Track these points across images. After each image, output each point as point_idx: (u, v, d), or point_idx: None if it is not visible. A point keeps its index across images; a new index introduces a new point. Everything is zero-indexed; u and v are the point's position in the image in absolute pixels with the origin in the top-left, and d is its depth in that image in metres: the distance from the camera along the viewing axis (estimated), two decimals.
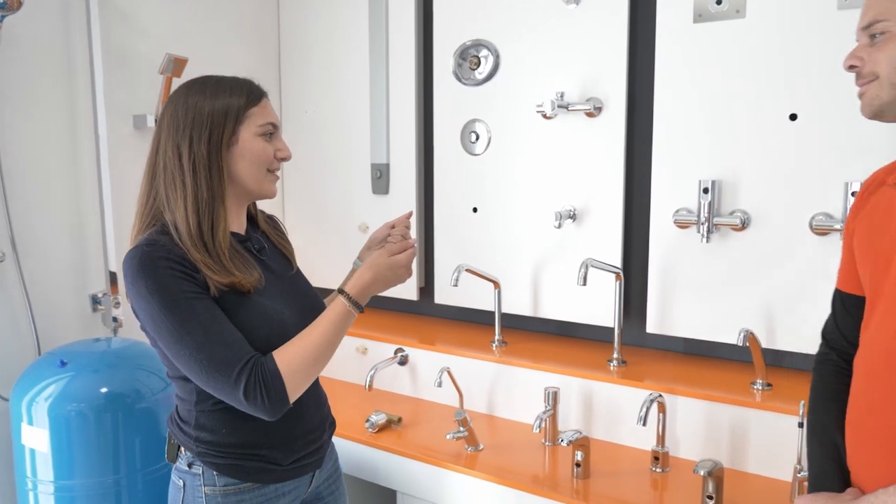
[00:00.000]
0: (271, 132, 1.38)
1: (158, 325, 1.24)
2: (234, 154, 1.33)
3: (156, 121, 2.40)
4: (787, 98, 1.89)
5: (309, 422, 1.45)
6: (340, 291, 1.33)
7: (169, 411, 2.08)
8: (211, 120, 1.31)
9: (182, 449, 1.40)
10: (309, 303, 1.48)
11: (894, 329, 1.08)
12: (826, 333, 1.33)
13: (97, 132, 2.29)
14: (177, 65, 2.43)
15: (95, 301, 2.34)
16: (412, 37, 2.56)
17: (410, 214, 1.57)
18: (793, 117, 1.89)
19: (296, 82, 2.87)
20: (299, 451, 1.41)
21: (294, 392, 1.26)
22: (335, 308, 1.32)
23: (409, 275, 1.40)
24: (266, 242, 1.50)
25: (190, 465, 1.37)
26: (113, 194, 2.32)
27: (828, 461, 1.21)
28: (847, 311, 1.26)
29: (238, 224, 1.41)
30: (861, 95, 1.11)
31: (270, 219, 1.59)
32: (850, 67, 1.12)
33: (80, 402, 1.93)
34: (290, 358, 1.26)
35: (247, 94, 1.36)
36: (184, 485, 1.37)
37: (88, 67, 2.28)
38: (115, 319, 2.31)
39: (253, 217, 1.51)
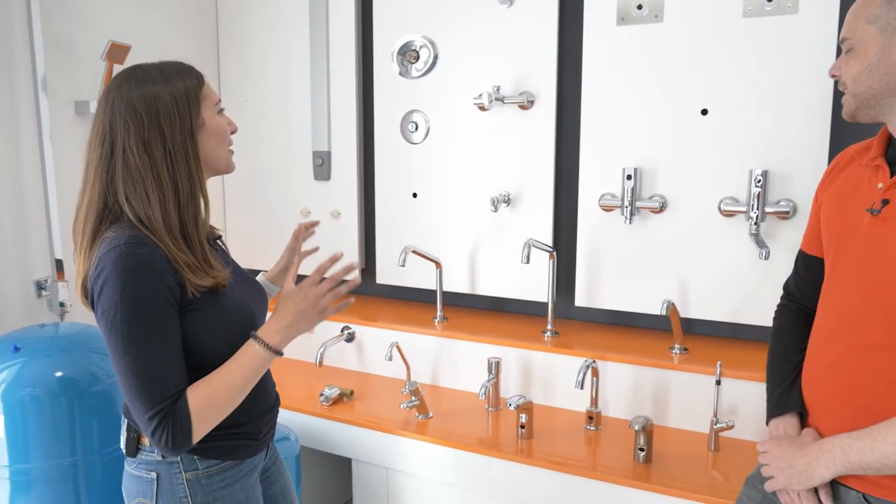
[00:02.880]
0: (223, 108, 1.33)
1: (112, 333, 1.17)
2: (203, 136, 1.26)
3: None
4: (699, 94, 2.02)
5: (271, 395, 1.44)
6: (254, 337, 1.23)
7: None
8: (177, 106, 1.21)
9: (145, 440, 1.31)
10: (252, 284, 1.45)
11: (852, 294, 1.17)
12: (787, 287, 1.43)
13: (39, 118, 2.16)
14: (119, 51, 2.32)
15: (40, 287, 2.22)
16: (352, 27, 2.54)
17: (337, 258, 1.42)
18: (704, 112, 2.02)
19: (235, 71, 2.80)
20: (267, 424, 1.41)
21: (200, 434, 1.20)
22: (248, 356, 1.22)
23: (326, 310, 1.26)
24: (213, 235, 1.43)
25: (164, 455, 1.28)
26: (57, 180, 2.20)
27: (785, 394, 1.30)
28: (808, 270, 1.35)
29: None
30: (843, 101, 1.20)
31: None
32: (833, 76, 1.21)
33: (35, 386, 1.84)
34: (203, 403, 1.19)
35: (195, 75, 1.29)
36: (157, 476, 1.29)
37: (29, 54, 2.14)
38: (62, 304, 2.20)
39: None
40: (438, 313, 2.41)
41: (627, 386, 2.03)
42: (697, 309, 2.09)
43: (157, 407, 1.16)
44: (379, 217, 2.57)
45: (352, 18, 2.54)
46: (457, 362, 2.27)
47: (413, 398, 2.00)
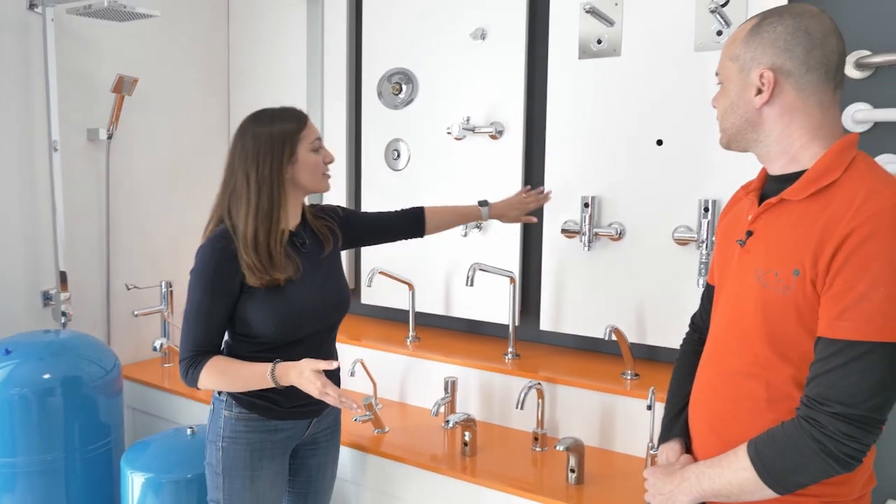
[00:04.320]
0: (319, 146, 1.67)
1: (189, 286, 1.59)
2: (296, 168, 1.62)
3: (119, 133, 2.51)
4: (654, 126, 2.05)
5: None
6: (275, 362, 1.57)
7: (108, 398, 2.19)
8: (272, 147, 1.59)
9: None
10: (332, 287, 1.73)
11: (721, 323, 1.22)
12: (693, 318, 1.45)
13: (51, 144, 2.37)
14: (128, 84, 2.53)
15: (46, 297, 2.42)
16: (344, 62, 2.69)
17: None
18: (659, 143, 2.05)
19: (243, 102, 2.98)
20: (298, 400, 1.65)
21: (204, 386, 1.59)
22: (260, 369, 1.57)
23: (317, 395, 1.51)
24: (310, 237, 1.72)
25: (220, 394, 1.67)
26: (65, 201, 2.40)
27: (671, 422, 1.33)
28: (709, 300, 1.37)
29: (293, 221, 1.67)
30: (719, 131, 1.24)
31: (319, 210, 1.82)
32: (714, 107, 1.24)
33: (24, 386, 2.01)
34: (211, 374, 1.57)
35: (296, 120, 1.64)
36: (213, 408, 1.69)
37: (44, 85, 2.37)
38: (64, 314, 2.39)
39: (304, 213, 1.75)
40: (411, 333, 2.49)
41: (578, 409, 2.05)
42: (654, 335, 2.10)
43: (190, 349, 1.58)
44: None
45: (343, 54, 2.69)
46: (423, 381, 2.34)
47: (367, 412, 2.08)
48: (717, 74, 1.20)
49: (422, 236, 1.98)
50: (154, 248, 2.78)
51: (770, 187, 1.19)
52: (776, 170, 1.16)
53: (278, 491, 1.71)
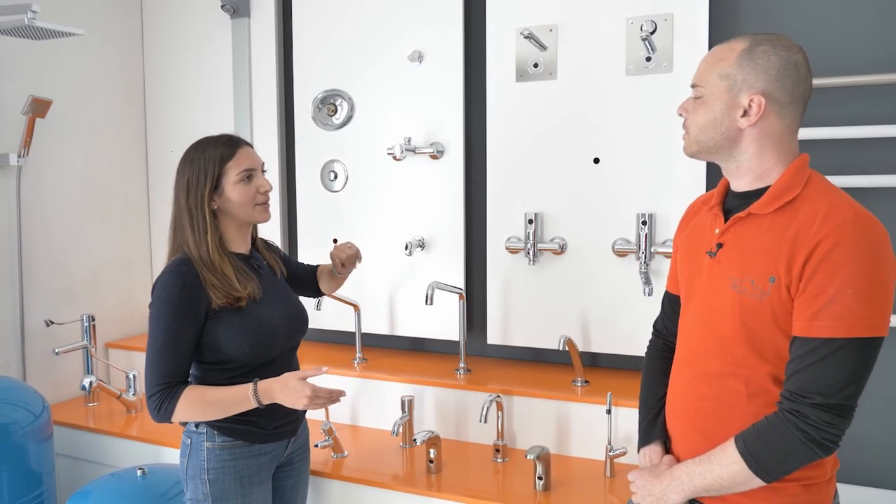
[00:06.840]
0: (250, 175, 1.63)
1: (149, 319, 1.57)
2: (224, 199, 1.61)
3: (16, 158, 2.35)
4: (591, 145, 2.17)
5: None
6: (255, 381, 1.56)
7: (38, 444, 2.03)
8: (197, 176, 1.59)
9: None
10: (292, 306, 1.76)
11: (696, 328, 1.30)
12: (656, 325, 1.54)
13: None
14: (40, 106, 2.37)
15: None
16: (274, 82, 2.65)
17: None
18: (596, 161, 2.17)
19: (162, 123, 2.86)
20: (279, 420, 1.67)
21: (178, 419, 1.56)
22: (241, 390, 1.56)
23: (305, 405, 1.52)
24: (263, 262, 1.76)
25: (197, 427, 1.63)
26: None
27: (650, 425, 1.42)
28: (672, 308, 1.46)
29: (242, 246, 1.69)
30: (684, 138, 1.30)
31: (266, 243, 1.85)
32: (681, 115, 1.30)
33: None
34: (189, 404, 1.53)
35: (222, 150, 1.61)
36: (191, 442, 1.63)
37: None
38: None
39: (254, 241, 1.77)
40: (358, 354, 2.48)
41: (533, 418, 2.13)
42: (598, 343, 2.21)
43: (160, 381, 1.53)
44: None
45: (273, 74, 2.65)
46: (375, 402, 2.33)
47: (327, 438, 2.05)
48: (694, 86, 1.27)
49: (319, 295, 2.05)
50: (72, 281, 2.61)
51: (732, 202, 1.30)
52: (741, 186, 1.27)
53: None
